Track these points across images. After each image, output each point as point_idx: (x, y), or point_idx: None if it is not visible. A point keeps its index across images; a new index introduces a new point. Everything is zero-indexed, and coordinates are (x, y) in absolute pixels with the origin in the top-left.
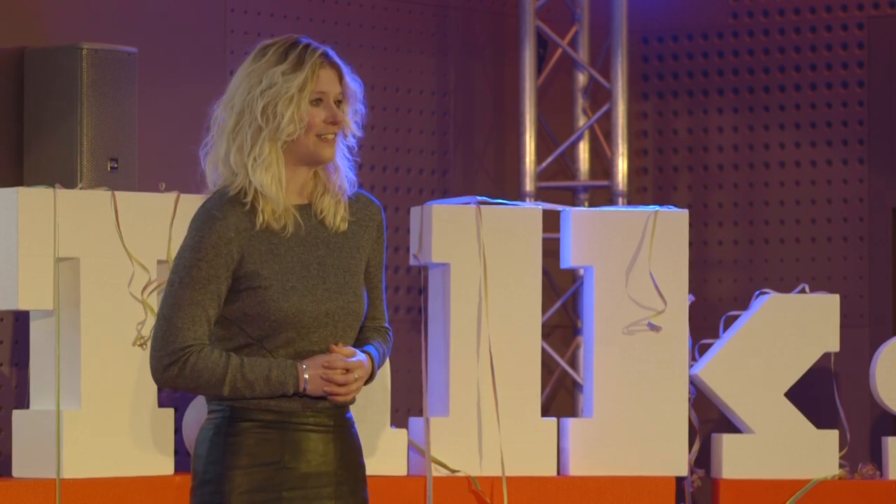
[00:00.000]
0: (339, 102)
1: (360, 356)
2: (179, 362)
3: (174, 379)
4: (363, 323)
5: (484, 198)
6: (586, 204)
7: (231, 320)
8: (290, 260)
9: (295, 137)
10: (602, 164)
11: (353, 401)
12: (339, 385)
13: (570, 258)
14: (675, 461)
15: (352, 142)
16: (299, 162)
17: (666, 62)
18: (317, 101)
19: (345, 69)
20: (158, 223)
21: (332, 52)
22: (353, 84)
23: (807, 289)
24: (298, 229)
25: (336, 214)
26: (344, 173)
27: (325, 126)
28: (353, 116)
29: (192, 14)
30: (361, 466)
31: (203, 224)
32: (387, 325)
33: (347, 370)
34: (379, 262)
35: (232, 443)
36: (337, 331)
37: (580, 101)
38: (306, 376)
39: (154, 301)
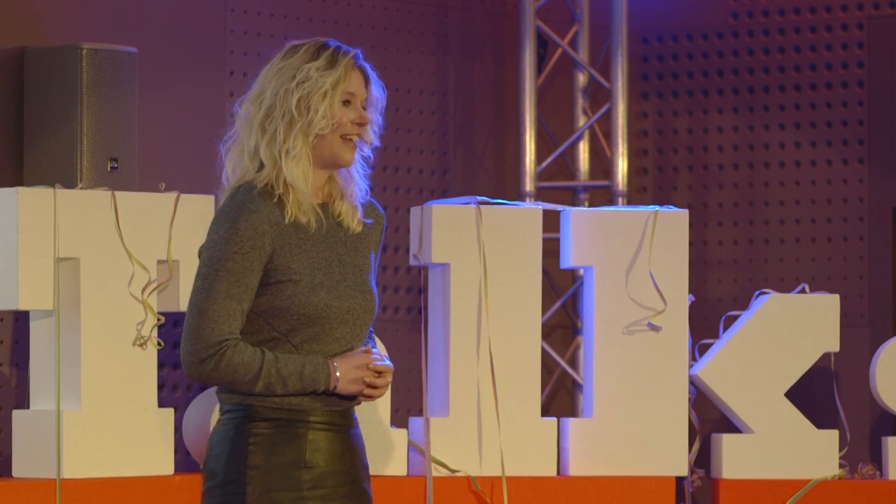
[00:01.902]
0: (363, 107)
1: (389, 361)
2: (216, 356)
3: (209, 373)
4: None
5: (484, 198)
6: (586, 204)
7: (258, 314)
8: (316, 256)
9: (324, 134)
10: (602, 164)
11: (359, 402)
12: (375, 388)
13: (570, 258)
14: (675, 461)
15: (367, 152)
16: (319, 163)
17: (666, 62)
18: (346, 102)
19: (371, 75)
20: (158, 223)
21: (361, 56)
22: (377, 91)
23: (807, 289)
24: (320, 226)
25: (353, 218)
26: (357, 183)
27: (351, 126)
28: (371, 125)
29: (192, 14)
30: (366, 465)
31: (238, 216)
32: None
33: (379, 373)
34: (375, 266)
35: (253, 442)
36: (356, 328)
37: (580, 101)
38: (338, 374)
39: (154, 301)
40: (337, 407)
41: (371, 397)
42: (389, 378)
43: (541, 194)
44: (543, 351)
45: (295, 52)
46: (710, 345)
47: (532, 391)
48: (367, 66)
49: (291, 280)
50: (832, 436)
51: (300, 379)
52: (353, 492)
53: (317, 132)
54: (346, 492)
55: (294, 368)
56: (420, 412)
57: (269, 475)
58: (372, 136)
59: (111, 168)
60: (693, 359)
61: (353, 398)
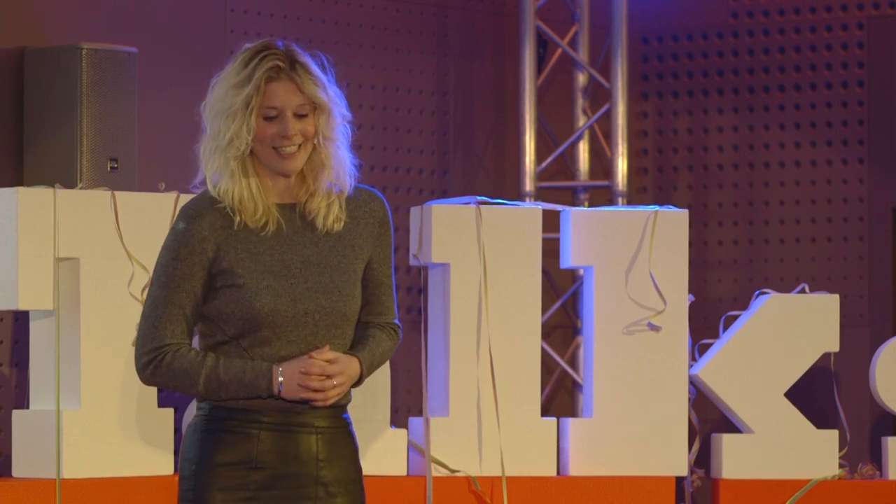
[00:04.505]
0: (303, 115)
1: (343, 362)
2: (155, 361)
3: (151, 377)
4: (371, 319)
5: (484, 198)
6: (586, 204)
7: (209, 318)
8: (269, 259)
9: (242, 151)
10: (602, 164)
11: (348, 401)
12: (316, 391)
13: (570, 258)
14: (675, 461)
15: (340, 142)
16: (272, 169)
17: (666, 62)
18: (270, 117)
19: (311, 78)
20: (158, 223)
21: (295, 59)
22: (322, 94)
23: (807, 289)
24: (280, 229)
25: (328, 216)
26: (337, 172)
27: (278, 140)
28: (333, 122)
29: (192, 14)
30: (356, 470)
31: (178, 223)
32: (396, 321)
33: (327, 376)
34: (384, 257)
35: (205, 440)
36: (318, 330)
37: (580, 101)
38: (281, 379)
39: None
40: (288, 407)
41: (312, 400)
42: (337, 381)
43: (541, 194)
44: (543, 351)
45: (232, 63)
46: (710, 345)
47: (532, 391)
48: (300, 64)
49: (235, 284)
50: (832, 436)
51: (241, 384)
52: (325, 493)
53: (233, 153)
54: (312, 493)
55: (235, 374)
56: (420, 412)
57: (220, 474)
58: (335, 133)
59: (111, 168)
60: (693, 359)
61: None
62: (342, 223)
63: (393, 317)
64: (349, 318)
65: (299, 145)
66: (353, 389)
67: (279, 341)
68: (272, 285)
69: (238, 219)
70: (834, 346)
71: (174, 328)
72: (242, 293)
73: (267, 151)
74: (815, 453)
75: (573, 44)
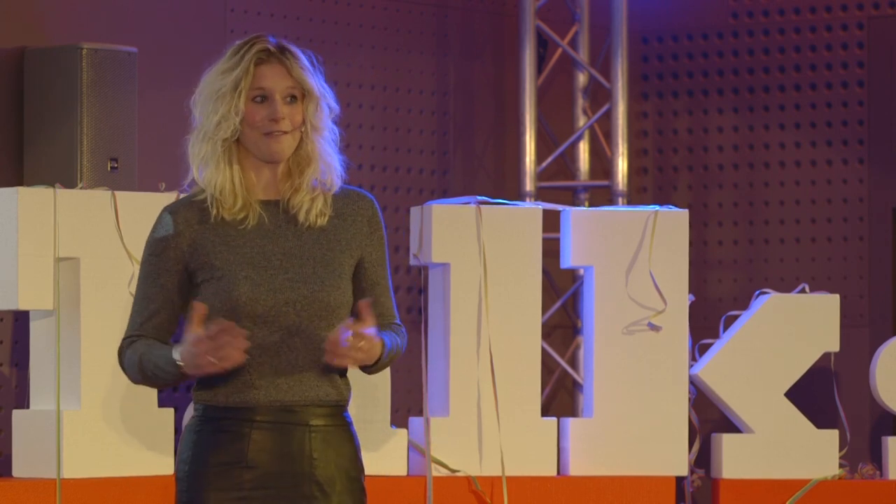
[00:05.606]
0: (293, 98)
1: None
2: (120, 354)
3: (123, 371)
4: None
5: (484, 198)
6: (586, 204)
7: None
8: (249, 251)
9: (230, 135)
10: (602, 164)
11: (347, 399)
12: (215, 361)
13: (570, 258)
14: (675, 461)
15: (327, 134)
16: (259, 159)
17: (666, 62)
18: (260, 98)
19: (300, 64)
20: None
21: (285, 47)
22: (312, 80)
23: (807, 289)
24: (262, 223)
25: (311, 211)
26: (323, 168)
27: (268, 123)
28: (321, 113)
29: (192, 14)
30: (355, 468)
31: (156, 222)
32: (398, 321)
33: (213, 336)
34: (377, 258)
35: (199, 441)
36: (301, 321)
37: (580, 101)
38: (181, 363)
39: None
40: (279, 404)
41: (224, 362)
42: (225, 339)
43: (541, 194)
44: (543, 351)
45: (224, 56)
46: (710, 345)
47: (532, 391)
48: (293, 56)
49: (214, 277)
50: (832, 436)
51: (157, 368)
52: (319, 493)
53: (222, 136)
54: (307, 492)
55: (154, 359)
56: (420, 412)
57: (212, 474)
58: (323, 125)
59: (111, 168)
60: (693, 359)
61: (303, 395)
62: (326, 218)
63: (394, 317)
64: (334, 308)
65: (288, 131)
66: (352, 389)
67: (261, 332)
68: (251, 276)
69: (215, 212)
70: (834, 346)
71: (141, 321)
72: (221, 284)
73: (256, 136)
74: (815, 453)
75: (573, 44)
